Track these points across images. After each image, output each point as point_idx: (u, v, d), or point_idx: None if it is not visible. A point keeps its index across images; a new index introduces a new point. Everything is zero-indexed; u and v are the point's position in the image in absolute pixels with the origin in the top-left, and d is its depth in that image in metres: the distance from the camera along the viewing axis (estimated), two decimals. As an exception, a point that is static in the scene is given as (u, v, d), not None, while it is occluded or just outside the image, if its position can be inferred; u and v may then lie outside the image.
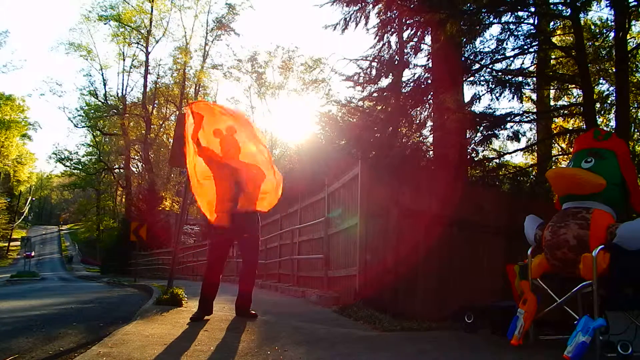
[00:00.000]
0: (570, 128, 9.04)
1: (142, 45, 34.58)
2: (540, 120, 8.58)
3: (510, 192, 7.36)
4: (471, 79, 7.39)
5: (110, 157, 39.87)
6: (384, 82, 8.62)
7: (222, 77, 34.99)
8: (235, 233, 4.19)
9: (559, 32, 9.30)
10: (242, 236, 4.23)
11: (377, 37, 8.64)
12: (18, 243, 48.92)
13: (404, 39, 8.58)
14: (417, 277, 5.43)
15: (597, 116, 7.59)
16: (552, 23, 8.53)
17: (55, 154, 39.28)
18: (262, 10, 79.83)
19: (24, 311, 5.58)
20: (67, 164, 39.59)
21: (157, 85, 35.60)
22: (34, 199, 68.45)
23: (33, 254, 35.22)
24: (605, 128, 8.26)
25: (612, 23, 7.89)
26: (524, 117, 7.48)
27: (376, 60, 8.70)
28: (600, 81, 9.00)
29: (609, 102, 8.46)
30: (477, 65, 7.25)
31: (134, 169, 38.81)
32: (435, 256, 5.56)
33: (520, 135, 7.64)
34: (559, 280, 3.47)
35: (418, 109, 8.03)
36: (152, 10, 33.66)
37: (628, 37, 7.40)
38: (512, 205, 6.07)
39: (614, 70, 7.07)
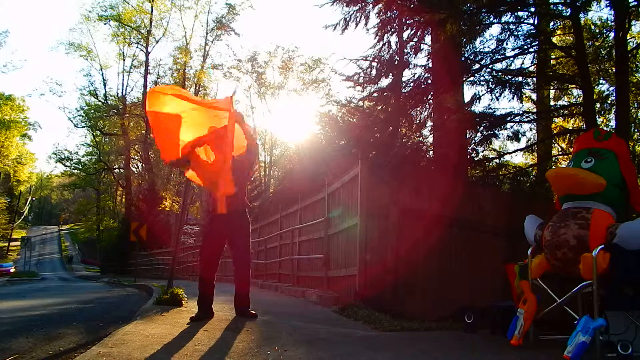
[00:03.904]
0: (570, 128, 9.02)
1: (142, 45, 34.58)
2: (540, 120, 8.58)
3: (510, 192, 7.36)
4: (471, 79, 7.38)
5: (110, 157, 39.83)
6: (384, 82, 8.62)
7: (222, 77, 34.99)
8: (227, 231, 4.18)
9: (559, 32, 9.28)
10: (233, 235, 4.21)
11: (377, 37, 8.64)
12: (18, 243, 48.89)
13: (404, 39, 8.58)
14: (417, 277, 5.43)
15: (597, 116, 7.58)
16: (552, 23, 8.52)
17: (55, 154, 39.25)
18: (262, 10, 79.84)
19: (24, 311, 5.58)
20: (67, 164, 39.56)
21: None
22: (34, 199, 68.47)
23: (12, 269, 31.73)
24: (605, 128, 8.25)
25: (612, 23, 7.88)
26: (524, 117, 7.47)
27: (376, 60, 8.70)
28: (600, 81, 8.99)
29: (609, 102, 8.45)
30: (477, 65, 7.24)
31: (134, 169, 38.82)
32: (435, 256, 5.57)
33: (520, 135, 7.63)
34: (559, 280, 3.47)
35: (418, 109, 8.03)
36: (152, 10, 33.65)
37: (628, 37, 7.39)
38: (512, 205, 6.07)
39: (614, 70, 7.06)
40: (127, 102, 35.52)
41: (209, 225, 4.33)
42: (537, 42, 7.34)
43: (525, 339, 3.33)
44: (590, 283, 3.00)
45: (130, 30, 34.03)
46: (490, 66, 7.19)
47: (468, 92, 8.52)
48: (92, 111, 35.88)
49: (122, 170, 38.82)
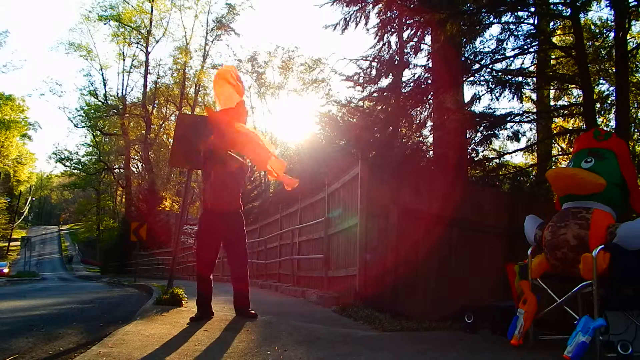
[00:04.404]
0: (570, 128, 9.02)
1: (142, 45, 34.61)
2: (540, 120, 8.58)
3: (510, 192, 7.36)
4: (471, 79, 7.38)
5: (110, 157, 39.85)
6: (384, 82, 8.62)
7: (222, 77, 34.94)
8: (222, 229, 4.18)
9: (559, 32, 9.29)
10: (229, 235, 4.21)
11: (377, 37, 8.65)
12: (18, 243, 48.87)
13: (404, 39, 8.58)
14: (417, 277, 5.43)
15: (597, 116, 7.58)
16: (552, 23, 8.52)
17: (55, 154, 39.30)
18: (262, 10, 79.80)
19: (24, 311, 5.58)
20: (67, 164, 39.61)
21: (157, 85, 35.60)
22: (34, 199, 68.43)
23: (6, 270, 30.75)
24: (605, 128, 8.25)
25: (612, 23, 7.89)
26: (524, 117, 7.48)
27: (376, 60, 8.70)
28: (600, 81, 8.99)
29: (609, 102, 8.45)
30: (477, 65, 7.25)
31: (134, 169, 38.87)
32: (435, 256, 5.56)
33: (520, 135, 7.64)
34: (559, 280, 3.47)
35: (418, 109, 8.03)
36: (152, 10, 33.68)
37: (628, 37, 7.39)
38: (512, 205, 6.07)
39: (614, 70, 7.07)
40: (127, 102, 35.53)
41: (204, 223, 4.31)
42: (537, 42, 7.34)
43: (525, 339, 3.33)
44: (590, 283, 3.00)
45: (130, 30, 34.06)
46: (490, 66, 7.20)
47: (468, 92, 8.53)
48: (92, 111, 35.89)
49: (122, 170, 38.84)
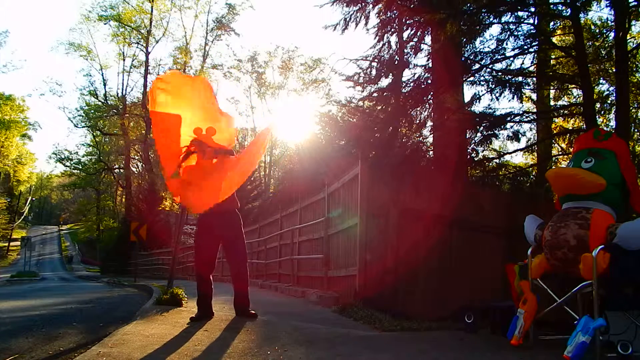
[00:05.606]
0: (570, 128, 9.03)
1: (142, 45, 34.65)
2: (540, 120, 8.58)
3: (510, 192, 7.36)
4: (471, 79, 7.39)
5: (110, 157, 39.90)
6: (384, 82, 8.63)
7: (222, 77, 35.06)
8: (219, 230, 4.16)
9: (559, 32, 9.29)
10: (227, 235, 4.20)
11: (377, 37, 8.66)
12: (18, 243, 48.84)
13: (404, 39, 8.59)
14: (417, 277, 5.43)
15: (597, 116, 7.58)
16: (552, 23, 8.54)
17: (55, 154, 39.37)
18: (262, 10, 79.77)
19: (24, 311, 5.58)
20: (67, 164, 39.67)
21: (157, 85, 35.54)
22: (34, 199, 68.37)
23: None
24: (605, 128, 8.25)
25: (612, 23, 7.89)
26: (524, 117, 7.49)
27: (376, 60, 8.71)
28: (600, 81, 9.00)
29: (609, 102, 8.45)
30: (477, 65, 7.25)
31: (134, 169, 38.86)
32: (435, 256, 5.57)
33: (520, 135, 7.65)
34: (559, 280, 3.47)
35: (418, 109, 8.04)
36: (152, 10, 33.71)
37: (628, 37, 7.40)
38: (512, 205, 6.07)
39: (614, 70, 7.07)
40: (127, 102, 35.56)
41: (201, 225, 4.29)
42: (537, 42, 7.35)
43: (525, 339, 3.33)
44: (590, 283, 3.00)
45: (130, 30, 34.09)
46: (490, 66, 7.21)
47: (468, 92, 8.55)
48: (92, 111, 35.95)
49: (122, 170, 38.87)
